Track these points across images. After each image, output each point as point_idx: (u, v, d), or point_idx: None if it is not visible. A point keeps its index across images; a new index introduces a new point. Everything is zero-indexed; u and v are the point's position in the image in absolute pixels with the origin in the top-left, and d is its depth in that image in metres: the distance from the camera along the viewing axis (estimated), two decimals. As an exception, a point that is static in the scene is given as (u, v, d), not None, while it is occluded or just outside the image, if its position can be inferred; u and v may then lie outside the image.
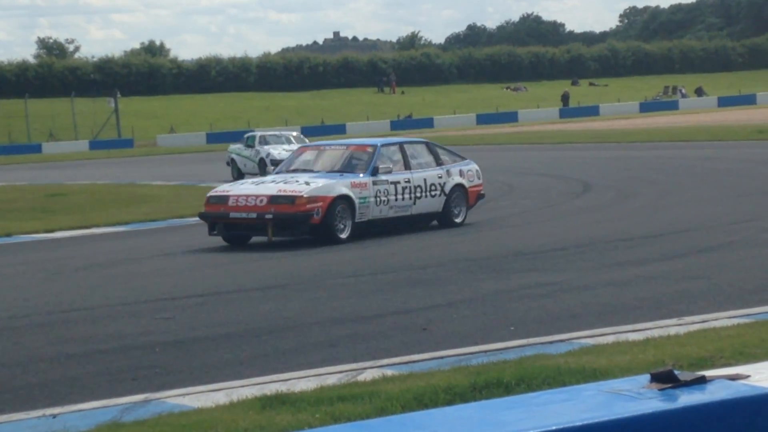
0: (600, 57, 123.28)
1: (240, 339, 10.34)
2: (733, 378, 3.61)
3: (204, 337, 10.55)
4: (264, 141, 37.48)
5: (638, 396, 3.47)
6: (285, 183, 17.96)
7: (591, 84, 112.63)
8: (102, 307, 12.65)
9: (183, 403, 7.94)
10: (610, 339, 9.38)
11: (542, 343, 9.46)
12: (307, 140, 37.04)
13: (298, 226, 17.43)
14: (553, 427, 3.23)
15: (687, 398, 3.44)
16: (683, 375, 3.56)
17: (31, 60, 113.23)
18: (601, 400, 3.47)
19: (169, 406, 7.84)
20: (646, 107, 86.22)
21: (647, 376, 3.61)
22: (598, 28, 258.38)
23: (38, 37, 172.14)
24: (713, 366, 7.58)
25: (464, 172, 20.05)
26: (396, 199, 18.61)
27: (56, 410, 7.91)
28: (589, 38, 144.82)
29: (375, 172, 18.37)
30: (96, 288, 14.23)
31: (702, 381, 3.54)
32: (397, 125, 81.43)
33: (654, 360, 7.91)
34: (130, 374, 9.07)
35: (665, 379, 3.54)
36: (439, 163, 19.66)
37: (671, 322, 10.17)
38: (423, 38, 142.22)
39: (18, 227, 22.40)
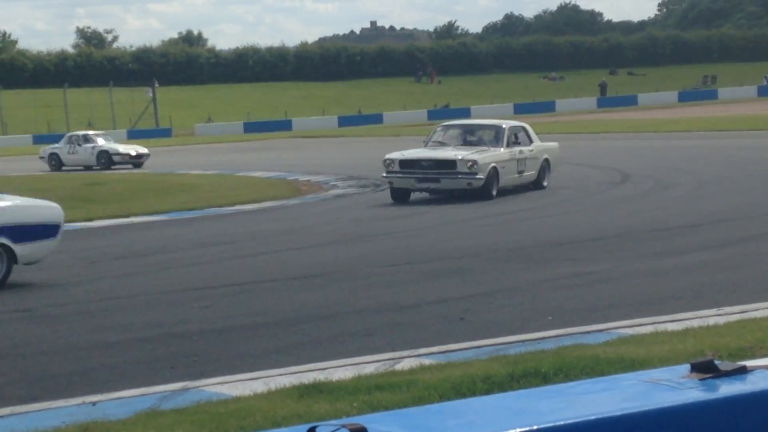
0: (638, 46, 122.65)
1: (277, 328, 10.36)
2: (774, 368, 3.58)
3: (242, 325, 10.58)
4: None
5: (678, 386, 3.44)
6: None
7: (629, 73, 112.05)
8: (140, 295, 12.71)
9: (221, 392, 7.96)
10: (648, 329, 9.34)
11: (580, 333, 9.42)
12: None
13: None
14: (592, 417, 3.22)
15: (727, 388, 3.42)
16: (724, 365, 3.54)
17: (70, 50, 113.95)
18: (640, 389, 3.46)
19: (207, 395, 7.87)
20: (685, 97, 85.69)
21: (687, 366, 3.59)
22: (636, 17, 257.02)
23: (77, 27, 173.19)
24: (753, 356, 7.53)
25: None
26: None
27: (96, 398, 7.96)
28: (627, 27, 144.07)
29: None
30: (134, 277, 14.30)
31: (743, 371, 3.52)
32: (434, 115, 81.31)
33: (693, 350, 7.87)
34: (169, 362, 9.10)
35: (705, 369, 3.52)
36: None
37: (710, 312, 10.11)
38: (460, 27, 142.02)
39: (57, 216, 22.50)
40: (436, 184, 22.88)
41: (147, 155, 42.61)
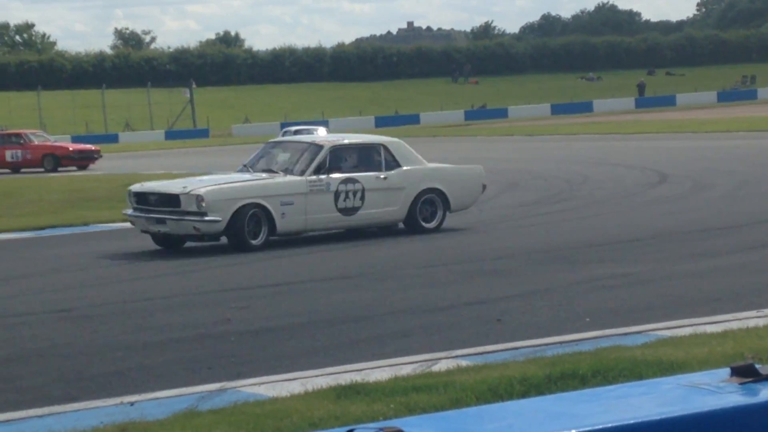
0: (676, 46, 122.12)
1: (314, 329, 10.37)
2: (816, 372, 3.54)
3: (279, 326, 10.59)
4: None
5: (718, 390, 3.42)
6: None
7: (667, 73, 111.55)
8: (177, 296, 12.75)
9: (258, 392, 7.97)
10: (687, 331, 9.28)
11: (618, 335, 9.38)
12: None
13: None
14: (631, 421, 3.20)
15: (768, 392, 3.39)
16: (764, 369, 3.51)
17: (108, 51, 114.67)
18: (679, 393, 3.43)
19: (244, 395, 7.88)
20: (724, 97, 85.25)
21: (727, 370, 3.56)
22: (674, 17, 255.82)
23: (115, 29, 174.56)
24: (793, 359, 7.47)
25: None
26: None
27: (133, 398, 7.98)
28: (665, 27, 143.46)
29: None
30: (171, 277, 14.35)
31: (784, 375, 3.48)
32: (471, 115, 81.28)
33: (733, 353, 7.81)
34: (206, 363, 9.12)
35: (746, 373, 3.49)
36: None
37: (750, 314, 10.03)
38: (497, 28, 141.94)
39: (94, 216, 22.64)
40: (164, 226, 16.79)
41: None
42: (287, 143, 19.01)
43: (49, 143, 44.59)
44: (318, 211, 17.14)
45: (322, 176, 17.18)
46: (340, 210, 17.29)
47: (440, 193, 18.09)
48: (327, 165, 17.28)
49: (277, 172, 17.36)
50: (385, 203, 17.69)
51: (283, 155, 17.97)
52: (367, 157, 17.82)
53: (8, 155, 43.31)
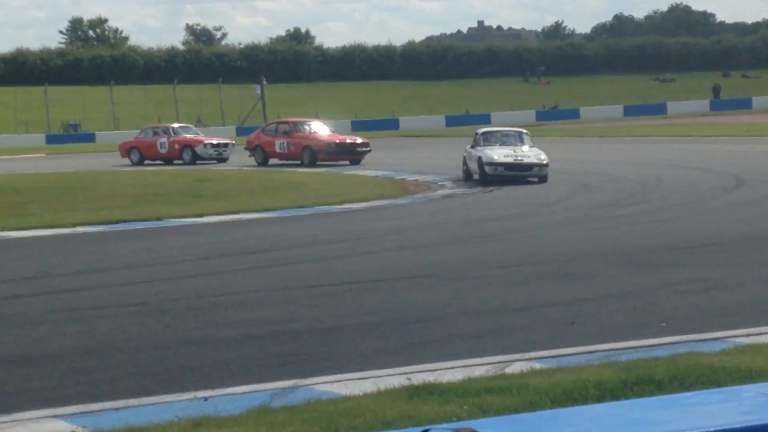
0: (752, 48, 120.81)
1: (386, 328, 10.37)
2: None
3: (350, 324, 10.60)
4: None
5: (801, 400, 3.38)
6: None
7: (743, 76, 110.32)
8: (249, 292, 12.81)
9: (331, 390, 7.99)
10: (766, 339, 9.17)
11: (695, 341, 9.28)
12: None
13: None
14: (711, 429, 3.18)
15: None
16: None
17: (180, 46, 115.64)
18: (760, 402, 3.40)
19: (317, 393, 7.90)
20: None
21: (812, 380, 3.52)
22: (749, 19, 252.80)
23: (186, 24, 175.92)
24: None
25: None
26: None
27: (207, 393, 8.03)
28: (740, 29, 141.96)
29: None
30: (244, 273, 14.42)
31: None
32: (542, 116, 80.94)
33: (813, 362, 7.71)
34: (279, 360, 9.16)
35: (833, 384, 3.45)
36: None
37: (830, 321, 9.90)
38: (567, 27, 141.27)
39: (168, 211, 22.83)
40: None
41: (544, 165, 28.36)
42: None
43: (310, 134, 40.29)
44: None
45: None
46: None
47: None
48: None
49: None
50: None
51: None
52: None
53: (277, 146, 40.12)
